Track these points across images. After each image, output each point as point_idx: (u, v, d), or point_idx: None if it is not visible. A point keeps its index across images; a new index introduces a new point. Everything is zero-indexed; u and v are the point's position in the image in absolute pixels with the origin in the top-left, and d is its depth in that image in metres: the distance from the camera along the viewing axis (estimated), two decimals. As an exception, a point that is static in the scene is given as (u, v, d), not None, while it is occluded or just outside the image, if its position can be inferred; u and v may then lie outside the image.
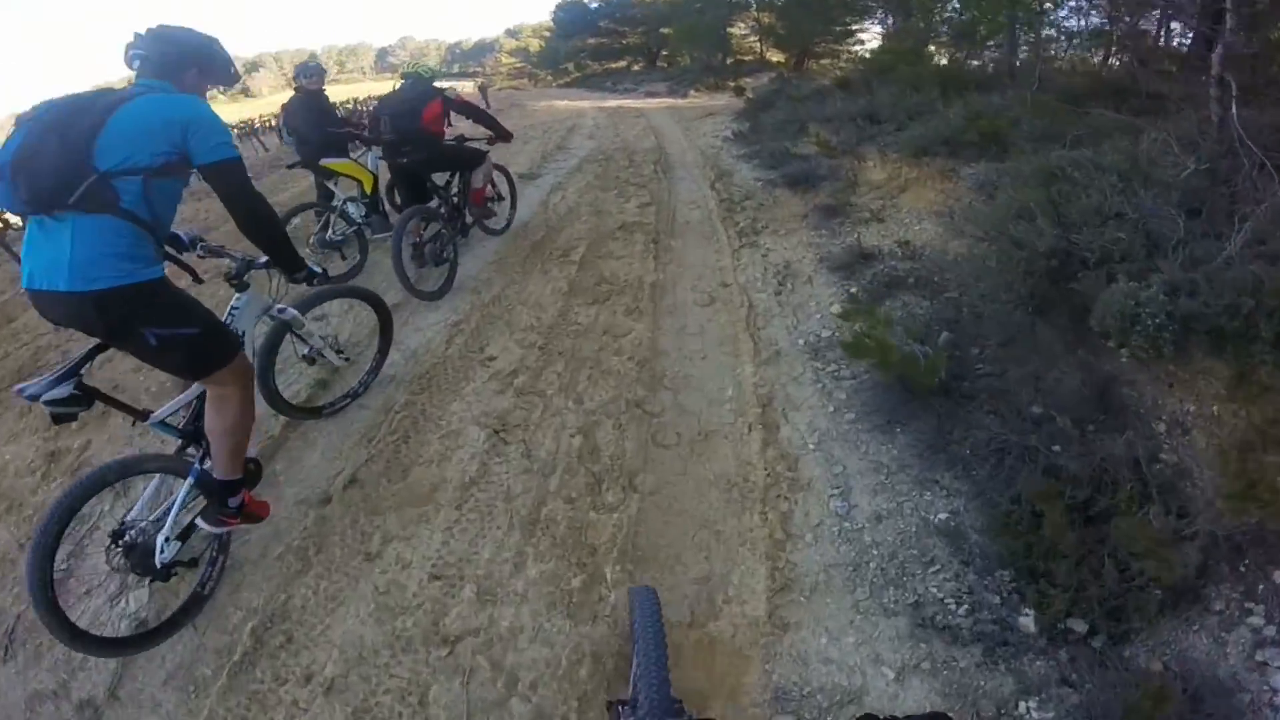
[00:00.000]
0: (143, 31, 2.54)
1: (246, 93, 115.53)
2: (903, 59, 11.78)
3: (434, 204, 6.11)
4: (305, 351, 3.87)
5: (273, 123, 20.56)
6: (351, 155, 6.71)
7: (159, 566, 2.62)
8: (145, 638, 2.63)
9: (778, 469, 3.47)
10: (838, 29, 26.80)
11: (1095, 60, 10.56)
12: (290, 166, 6.87)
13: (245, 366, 2.78)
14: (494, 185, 6.98)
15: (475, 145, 6.39)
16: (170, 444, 2.90)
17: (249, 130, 21.39)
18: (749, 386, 4.21)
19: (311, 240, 6.27)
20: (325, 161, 6.40)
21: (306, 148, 6.45)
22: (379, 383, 4.36)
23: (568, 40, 51.40)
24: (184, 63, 2.55)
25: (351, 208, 6.53)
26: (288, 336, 3.71)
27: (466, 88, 31.51)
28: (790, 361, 4.42)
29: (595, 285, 5.66)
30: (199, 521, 2.76)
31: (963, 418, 3.40)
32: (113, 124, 2.21)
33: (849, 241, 5.79)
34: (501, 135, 6.51)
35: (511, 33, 78.97)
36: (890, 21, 20.49)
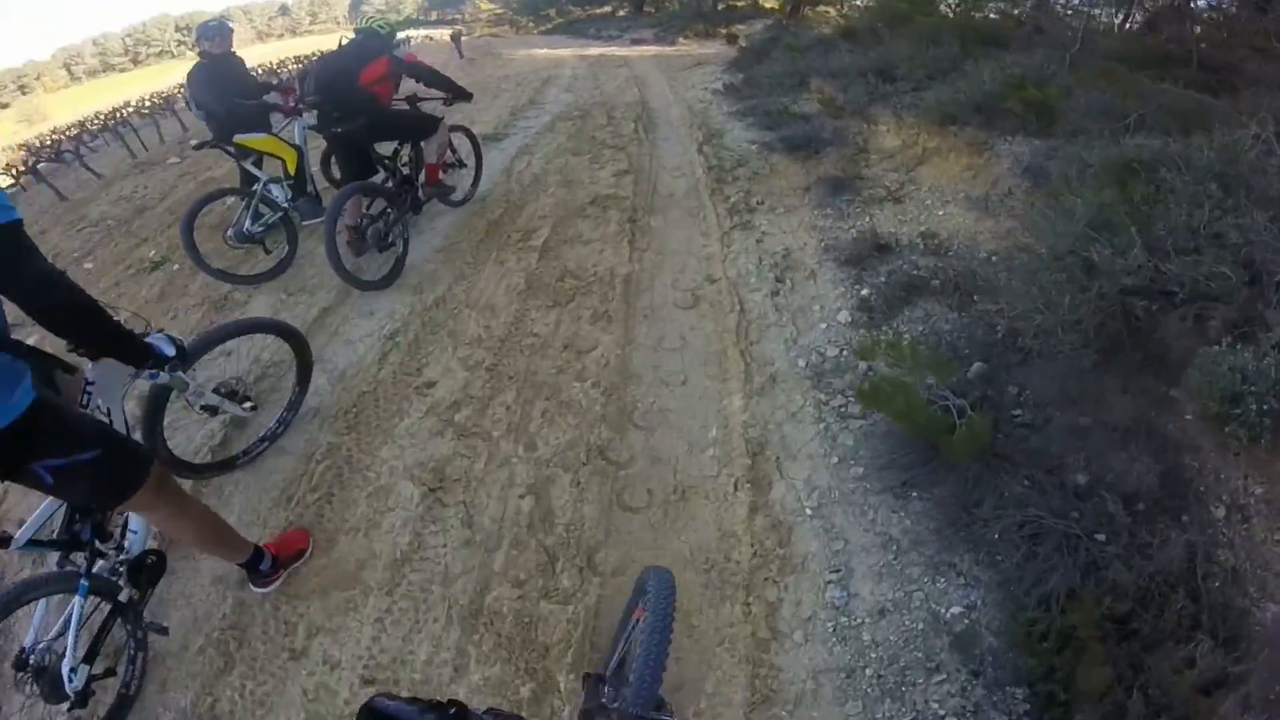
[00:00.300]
0: None
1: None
2: (916, 7, 10.76)
3: (379, 178, 5.22)
4: (202, 403, 3.11)
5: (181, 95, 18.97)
6: (274, 129, 5.77)
7: (72, 695, 2.25)
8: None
9: (767, 544, 2.86)
10: None
11: (1101, 18, 9.90)
12: (196, 147, 5.74)
13: (166, 477, 2.33)
14: (453, 151, 6.13)
15: (428, 110, 5.49)
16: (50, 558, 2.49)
17: (153, 110, 19.84)
18: (737, 426, 3.45)
19: (228, 234, 5.34)
20: (238, 138, 5.38)
21: (214, 123, 5.56)
22: (302, 417, 3.70)
23: (549, -14, 49.78)
24: None
25: (275, 190, 5.59)
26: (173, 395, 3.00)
27: (443, 36, 30.28)
28: (788, 390, 3.61)
29: (558, 281, 4.81)
30: (252, 587, 2.70)
31: (993, 484, 2.68)
32: None
33: (861, 227, 4.91)
34: (458, 94, 5.54)
35: (493, -23, 76.41)
36: None
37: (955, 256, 4.22)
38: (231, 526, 2.65)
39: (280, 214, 5.48)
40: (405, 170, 5.45)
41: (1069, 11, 9.41)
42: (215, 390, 3.16)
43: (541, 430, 3.49)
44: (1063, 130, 4.67)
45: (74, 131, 24.23)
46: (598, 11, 44.94)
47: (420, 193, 5.63)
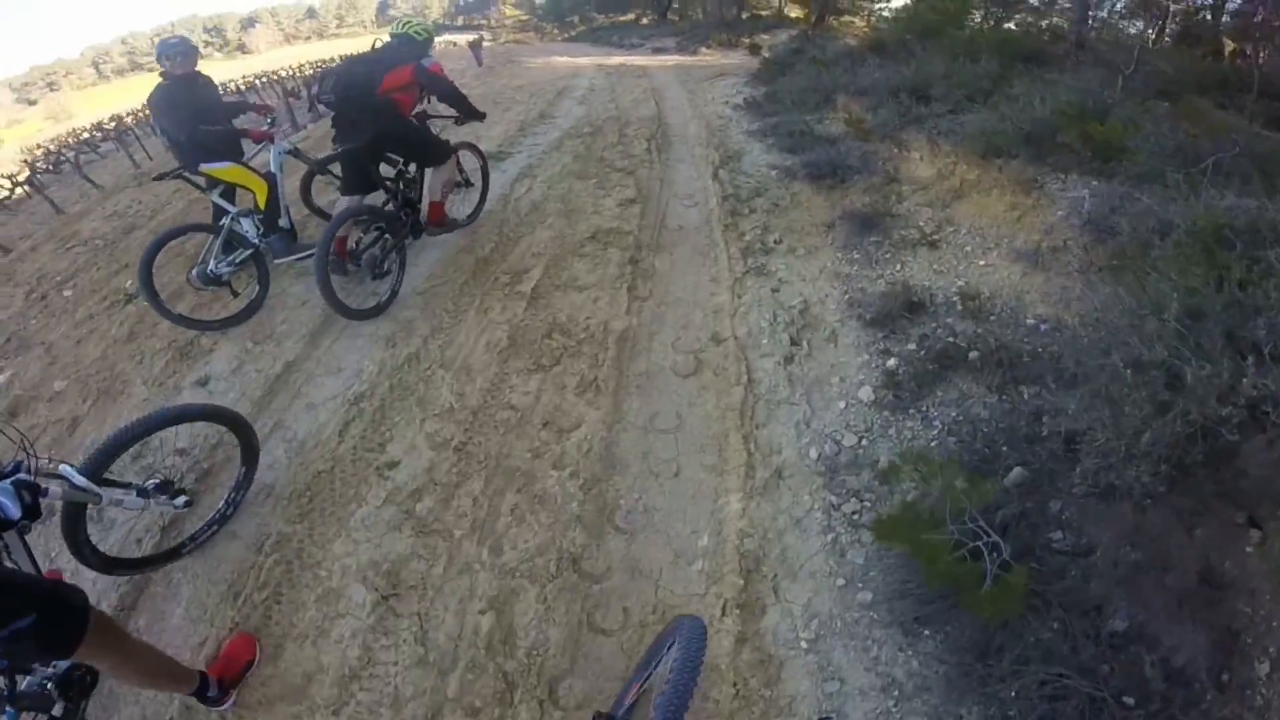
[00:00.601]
0: None
1: (243, 49, 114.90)
2: (948, 19, 10.18)
3: (379, 198, 5.04)
4: (124, 508, 2.83)
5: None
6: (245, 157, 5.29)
7: None
8: None
9: (752, 683, 2.47)
10: None
11: (1131, 32, 9.49)
12: (157, 178, 5.20)
13: (105, 623, 2.13)
14: (461, 170, 5.79)
15: (439, 132, 5.29)
16: None
17: (112, 134, 19.50)
18: (732, 534, 2.97)
19: (192, 274, 4.84)
20: (204, 168, 4.95)
21: (178, 150, 5.07)
22: (255, 494, 3.33)
23: (573, -8, 49.80)
24: None
25: (246, 225, 5.05)
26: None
27: (464, 42, 30.30)
28: (795, 489, 3.09)
29: (545, 337, 4.28)
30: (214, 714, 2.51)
31: (1016, 627, 2.27)
32: None
33: (891, 277, 4.36)
34: (471, 114, 5.20)
35: (518, -17, 76.60)
36: None
37: (998, 322, 3.66)
38: (173, 660, 2.42)
39: (250, 251, 4.98)
40: (408, 193, 5.15)
41: (1094, 26, 8.93)
42: (141, 490, 2.80)
43: (510, 530, 3.02)
44: (1127, 171, 4.10)
45: (84, 136, 24.15)
46: (622, 19, 45.02)
47: (422, 222, 5.29)
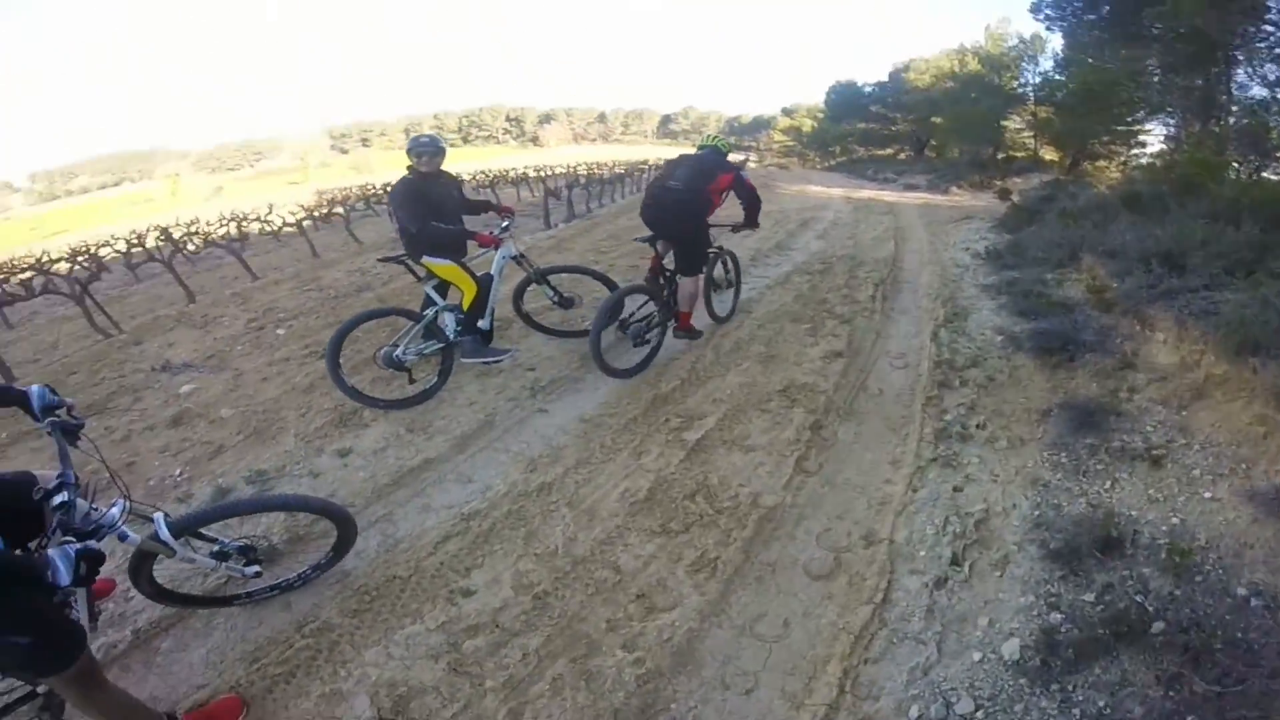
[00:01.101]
0: None
1: (535, 141, 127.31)
2: (1208, 173, 8.94)
3: (658, 282, 5.73)
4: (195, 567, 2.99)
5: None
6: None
7: None
8: None
9: None
10: (1119, 128, 24.23)
11: None
12: (382, 260, 5.59)
13: (89, 666, 2.19)
14: (726, 270, 6.97)
15: (712, 239, 5.97)
16: None
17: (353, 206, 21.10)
18: None
19: (379, 354, 5.06)
20: (425, 260, 5.20)
21: (407, 239, 5.28)
22: (327, 576, 3.30)
23: (838, 123, 51.21)
24: None
25: (448, 319, 5.31)
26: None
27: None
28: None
29: (686, 498, 3.84)
30: None
31: None
32: None
33: (1095, 497, 3.53)
34: (753, 224, 6.08)
35: (787, 111, 79.75)
36: (1178, 124, 18.08)
37: (1204, 585, 2.78)
38: (141, 703, 2.42)
39: (442, 345, 5.20)
40: (673, 287, 5.75)
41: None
42: (219, 553, 2.83)
43: (540, 699, 2.63)
44: None
45: (370, 193, 27.32)
46: (880, 153, 45.29)
47: (676, 315, 5.83)
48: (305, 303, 8.50)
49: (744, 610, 3.02)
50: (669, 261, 5.70)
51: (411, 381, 5.13)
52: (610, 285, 6.04)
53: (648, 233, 5.66)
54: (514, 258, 5.62)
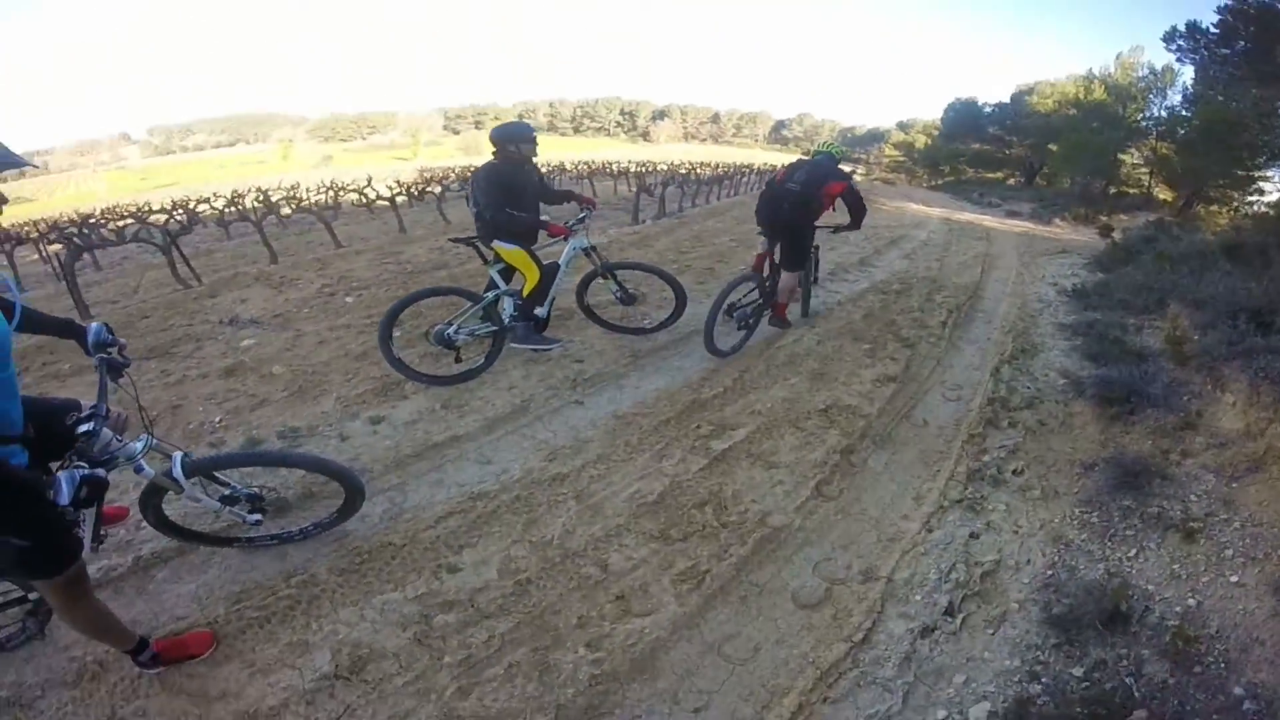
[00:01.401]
0: None
1: (646, 136, 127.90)
2: None
3: (759, 277, 6.22)
4: (200, 508, 3.13)
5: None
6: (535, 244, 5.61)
7: None
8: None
9: None
10: (1239, 173, 23.06)
11: None
12: (453, 240, 5.74)
13: (79, 577, 2.33)
14: (816, 268, 7.33)
15: (817, 239, 6.59)
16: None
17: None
18: None
19: (430, 331, 5.21)
20: (496, 244, 5.33)
21: (481, 224, 5.40)
22: (328, 534, 3.44)
23: (951, 141, 49.71)
24: None
25: (507, 304, 5.43)
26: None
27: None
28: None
29: (694, 508, 3.79)
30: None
31: None
32: None
33: (1114, 565, 3.32)
34: (856, 227, 6.55)
35: (903, 125, 77.94)
36: None
37: (1200, 677, 2.58)
38: (119, 622, 2.56)
39: (496, 329, 5.30)
40: (776, 280, 6.43)
41: None
42: (228, 497, 3.05)
43: (492, 683, 2.65)
44: None
45: (463, 173, 27.87)
46: (990, 175, 43.82)
47: (773, 309, 6.57)
48: (381, 274, 8.75)
49: (718, 628, 2.96)
50: (775, 256, 6.34)
51: (458, 361, 5.23)
52: (675, 286, 6.06)
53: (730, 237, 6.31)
54: (585, 250, 5.67)
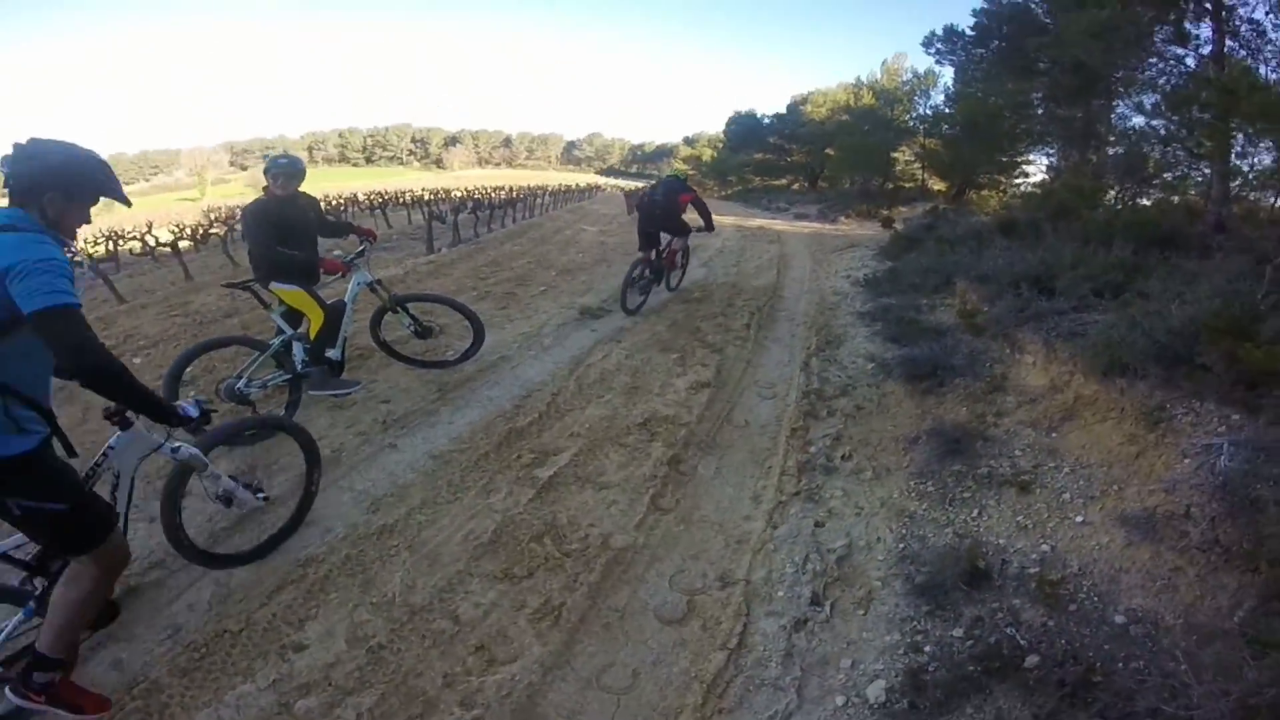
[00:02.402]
0: (20, 143, 2.29)
1: (439, 164, 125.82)
2: (1084, 199, 9.47)
3: (651, 254, 8.64)
4: (219, 490, 3.32)
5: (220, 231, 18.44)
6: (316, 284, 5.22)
7: None
8: None
9: None
10: (1003, 159, 25.63)
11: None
12: (228, 285, 5.35)
13: (117, 549, 2.52)
14: (685, 258, 9.91)
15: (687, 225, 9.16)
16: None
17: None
18: None
19: (219, 387, 4.74)
20: (274, 286, 4.91)
21: (254, 263, 4.99)
22: (155, 635, 3.02)
23: (736, 153, 52.30)
24: (38, 186, 2.25)
25: (297, 349, 4.99)
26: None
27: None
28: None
29: (532, 541, 3.62)
30: (6, 691, 2.43)
31: None
32: None
33: (961, 527, 3.51)
34: (709, 227, 9.69)
35: (689, 140, 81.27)
36: (1059, 155, 19.23)
37: (1078, 613, 2.74)
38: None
39: (290, 376, 4.89)
40: (662, 256, 8.85)
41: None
42: (231, 476, 3.38)
43: None
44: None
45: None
46: (775, 183, 46.51)
47: (666, 273, 9.23)
48: (169, 329, 7.94)
49: (590, 661, 2.83)
50: (652, 255, 8.65)
51: (254, 414, 4.74)
52: (470, 316, 5.93)
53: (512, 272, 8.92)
54: (369, 285, 5.39)
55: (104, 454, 2.71)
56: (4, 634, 2.51)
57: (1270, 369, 3.39)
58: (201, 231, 18.73)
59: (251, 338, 5.10)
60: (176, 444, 2.95)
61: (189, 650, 2.89)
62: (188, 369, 4.76)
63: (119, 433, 2.71)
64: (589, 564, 3.42)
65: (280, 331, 4.96)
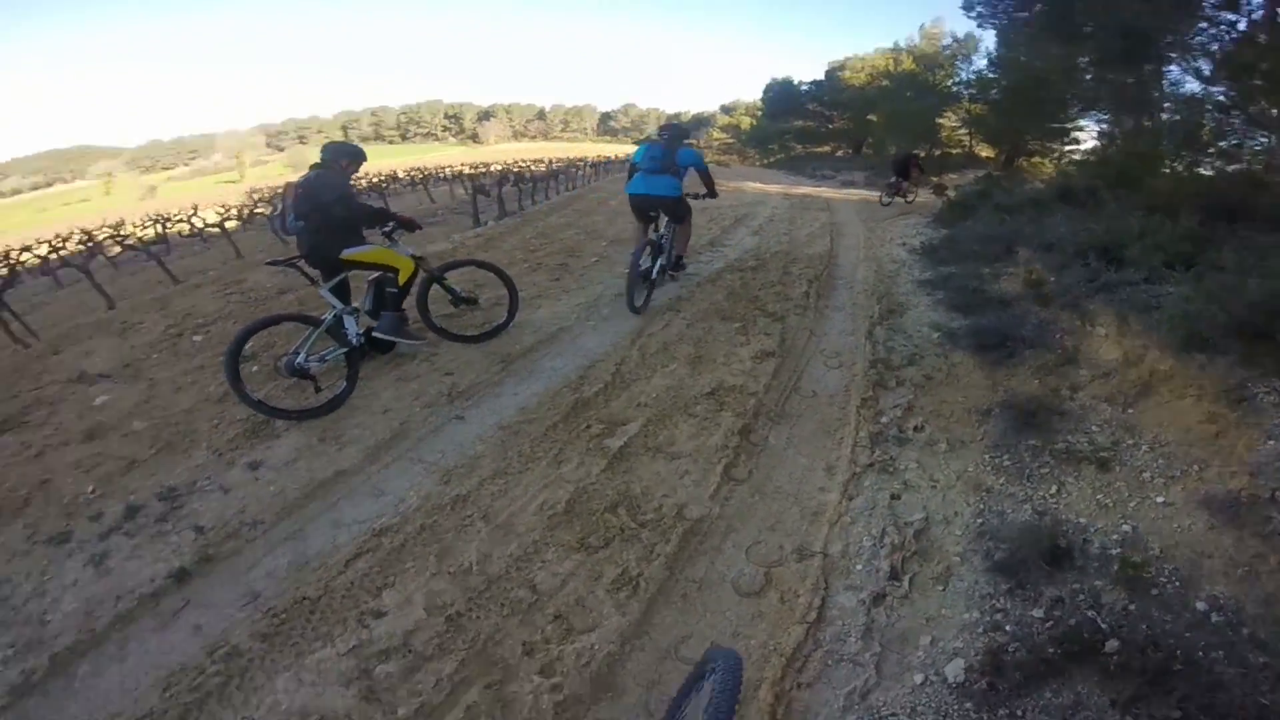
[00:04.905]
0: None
1: (475, 138, 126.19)
2: (1144, 165, 9.04)
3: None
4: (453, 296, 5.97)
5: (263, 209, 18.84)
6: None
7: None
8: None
9: None
10: (1052, 126, 24.86)
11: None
12: (272, 263, 5.15)
13: None
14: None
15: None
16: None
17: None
18: None
19: (280, 362, 4.78)
20: (347, 253, 5.01)
21: (308, 237, 4.99)
22: (234, 599, 3.12)
23: (776, 120, 51.38)
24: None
25: (349, 323, 5.00)
26: None
27: None
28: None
29: (606, 511, 3.61)
30: None
31: None
32: None
33: (1040, 504, 3.41)
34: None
35: (726, 109, 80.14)
36: (1111, 121, 18.52)
37: (1160, 598, 2.65)
38: None
39: (345, 350, 4.95)
40: (665, 237, 7.50)
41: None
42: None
43: None
44: None
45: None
46: (818, 150, 45.66)
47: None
48: (225, 306, 8.06)
49: (668, 631, 2.82)
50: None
51: (319, 390, 4.80)
52: (501, 274, 6.16)
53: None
54: (411, 258, 5.50)
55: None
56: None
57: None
58: (247, 211, 19.05)
59: (305, 314, 5.14)
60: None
61: (268, 616, 2.96)
62: (246, 345, 4.79)
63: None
64: (665, 535, 3.40)
65: (331, 307, 4.99)
